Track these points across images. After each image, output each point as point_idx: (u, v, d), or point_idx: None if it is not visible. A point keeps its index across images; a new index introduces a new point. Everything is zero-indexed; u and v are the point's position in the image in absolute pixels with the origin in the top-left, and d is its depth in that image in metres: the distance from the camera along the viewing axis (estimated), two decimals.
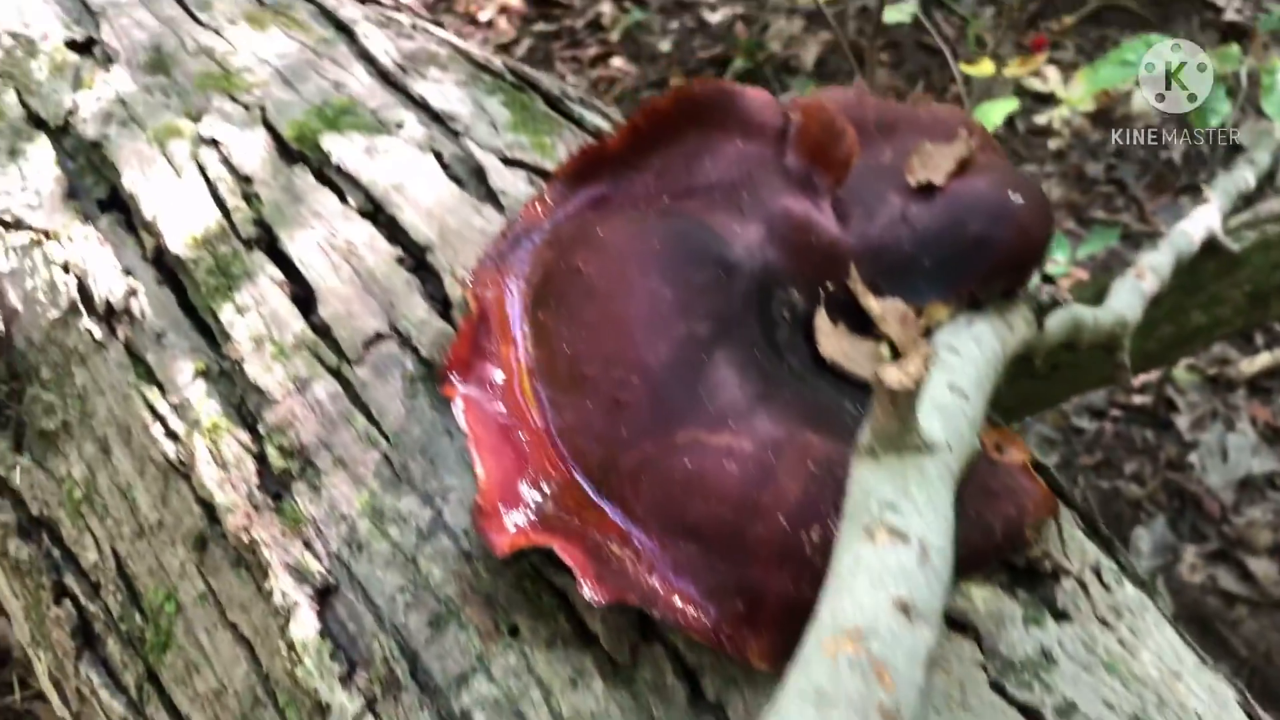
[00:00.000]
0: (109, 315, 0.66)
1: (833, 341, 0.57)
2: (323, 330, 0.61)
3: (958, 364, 0.53)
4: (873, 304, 0.58)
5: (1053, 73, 2.73)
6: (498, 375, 0.55)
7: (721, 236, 0.59)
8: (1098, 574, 0.58)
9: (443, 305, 0.62)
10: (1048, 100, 2.72)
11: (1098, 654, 0.52)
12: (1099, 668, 0.51)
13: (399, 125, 0.74)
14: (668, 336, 0.55)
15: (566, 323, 0.57)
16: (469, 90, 0.78)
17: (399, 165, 0.69)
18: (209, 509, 0.58)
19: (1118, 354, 1.00)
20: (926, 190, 0.62)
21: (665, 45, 2.88)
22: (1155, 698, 0.51)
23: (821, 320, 0.58)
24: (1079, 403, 1.98)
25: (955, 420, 0.46)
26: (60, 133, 0.77)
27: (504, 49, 2.83)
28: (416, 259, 0.64)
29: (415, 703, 0.50)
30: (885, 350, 0.57)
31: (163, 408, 0.62)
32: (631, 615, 0.50)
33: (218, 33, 0.82)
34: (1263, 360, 2.04)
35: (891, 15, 2.29)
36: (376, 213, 0.67)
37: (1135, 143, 2.56)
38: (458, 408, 0.52)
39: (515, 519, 0.49)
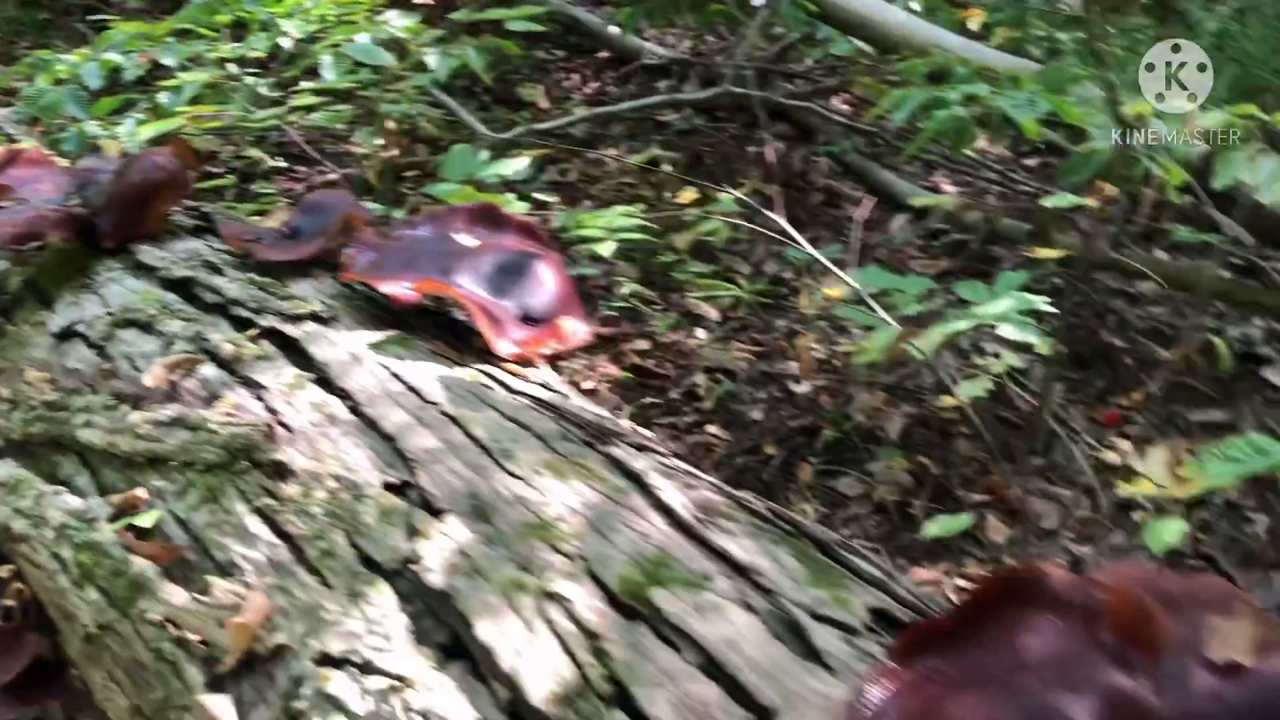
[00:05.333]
0: None
1: None
2: None
3: None
4: None
5: (1126, 445, 2.85)
6: None
7: (1068, 717, 0.65)
8: None
9: None
10: (1117, 471, 2.82)
11: None
12: None
13: (707, 578, 0.82)
14: None
15: None
16: (759, 542, 0.87)
17: (724, 622, 0.77)
18: None
19: None
20: (1234, 669, 0.69)
21: (756, 414, 3.06)
22: None
23: None
24: None
25: None
26: (395, 576, 0.86)
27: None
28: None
29: None
30: None
31: None
32: None
33: (526, 482, 0.93)
34: None
35: (967, 390, 2.46)
36: (717, 671, 0.74)
37: (1219, 518, 2.62)
38: None
39: None
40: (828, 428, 2.95)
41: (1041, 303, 2.17)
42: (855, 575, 0.86)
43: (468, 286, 1.22)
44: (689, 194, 2.12)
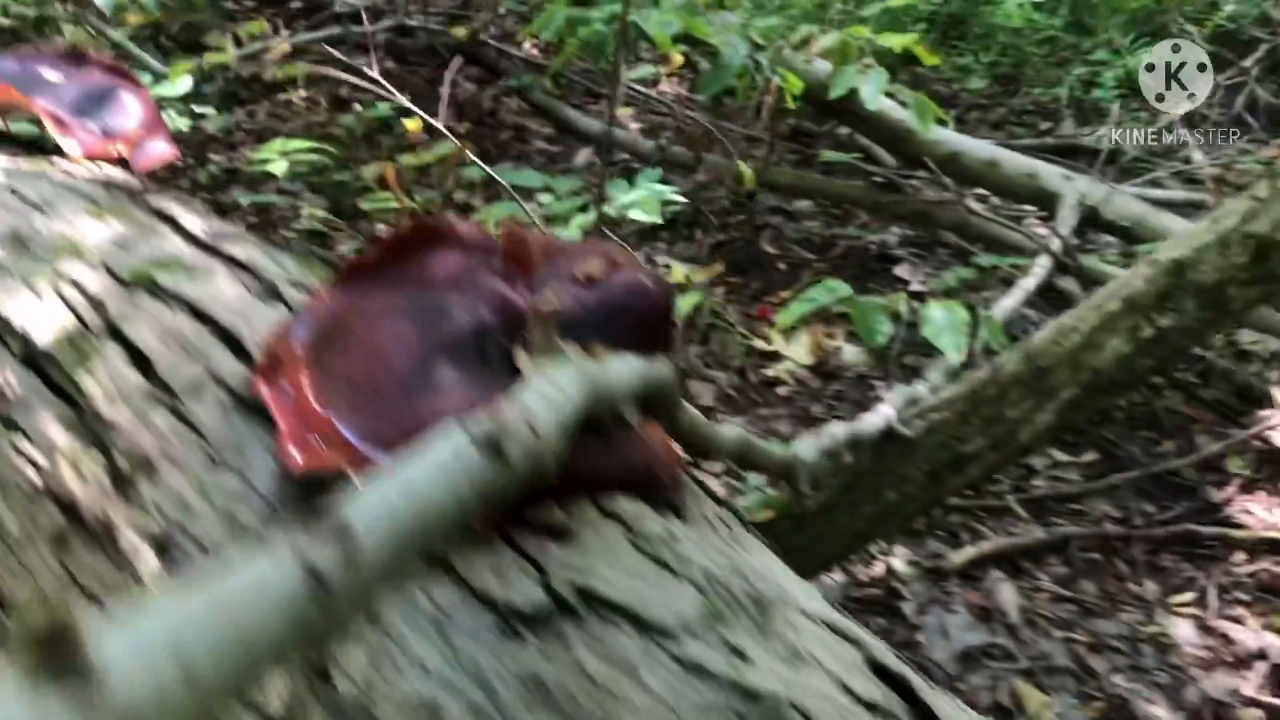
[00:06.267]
0: None
1: (526, 363, 0.85)
2: (160, 383, 0.84)
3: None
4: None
5: (776, 335, 3.23)
6: (289, 388, 0.80)
7: (450, 304, 0.88)
8: (718, 517, 0.85)
9: (249, 362, 0.86)
10: (774, 357, 3.19)
11: (711, 540, 0.78)
12: (709, 546, 0.77)
13: (209, 270, 1.00)
14: (411, 352, 0.82)
15: (340, 356, 0.83)
16: (268, 253, 1.05)
17: (213, 286, 0.95)
18: (70, 510, 0.78)
19: (796, 483, 1.36)
20: (591, 281, 0.93)
21: None
22: (742, 568, 0.77)
23: (518, 351, 0.86)
24: None
25: (584, 363, 0.75)
26: None
27: None
28: (229, 337, 0.89)
29: None
30: None
31: (28, 448, 0.82)
32: None
33: (67, 222, 1.08)
34: (968, 553, 2.41)
35: None
36: (199, 315, 0.92)
37: (851, 388, 3.02)
38: (264, 394, 0.76)
39: (307, 455, 0.73)
40: None
41: (670, 192, 2.45)
42: None
43: (47, 105, 1.34)
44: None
